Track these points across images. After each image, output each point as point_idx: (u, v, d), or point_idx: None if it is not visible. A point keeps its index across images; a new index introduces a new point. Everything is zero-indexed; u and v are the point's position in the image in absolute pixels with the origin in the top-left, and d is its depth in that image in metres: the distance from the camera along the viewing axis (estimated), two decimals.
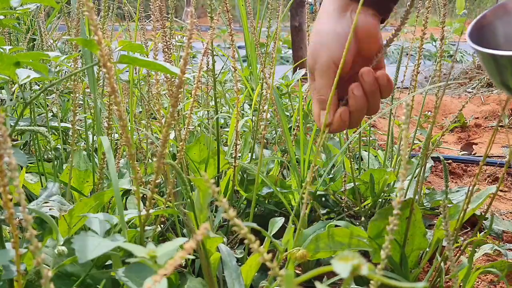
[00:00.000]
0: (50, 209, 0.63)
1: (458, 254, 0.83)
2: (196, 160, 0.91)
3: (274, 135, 1.47)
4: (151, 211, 0.55)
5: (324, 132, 0.64)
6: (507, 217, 1.33)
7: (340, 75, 0.61)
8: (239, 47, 1.28)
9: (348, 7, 0.64)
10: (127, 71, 1.04)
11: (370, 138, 1.37)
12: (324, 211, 1.13)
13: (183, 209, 0.68)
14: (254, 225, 0.64)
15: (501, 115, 0.86)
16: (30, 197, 0.92)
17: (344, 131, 1.28)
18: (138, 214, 0.55)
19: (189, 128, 0.74)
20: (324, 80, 0.63)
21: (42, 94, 1.07)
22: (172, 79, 0.84)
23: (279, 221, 0.80)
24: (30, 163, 0.98)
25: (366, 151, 1.33)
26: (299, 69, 1.41)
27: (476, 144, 2.17)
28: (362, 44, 0.63)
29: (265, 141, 1.03)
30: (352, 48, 0.62)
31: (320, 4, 0.68)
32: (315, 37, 0.65)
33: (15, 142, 0.79)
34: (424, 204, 1.22)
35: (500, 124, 2.43)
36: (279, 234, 0.80)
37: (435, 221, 1.17)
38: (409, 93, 1.01)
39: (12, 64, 0.57)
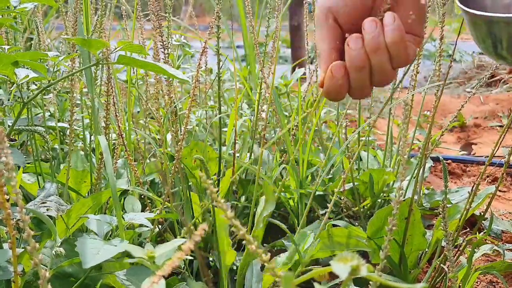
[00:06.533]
0: (47, 210, 0.63)
1: (457, 254, 0.82)
2: (189, 165, 0.91)
3: (273, 135, 1.46)
4: (151, 215, 0.55)
5: (320, 96, 0.54)
6: (506, 217, 1.33)
7: (340, 26, 0.50)
8: (238, 47, 1.27)
9: None
10: (125, 71, 1.03)
11: (369, 138, 1.37)
12: (323, 212, 1.12)
13: (181, 210, 0.68)
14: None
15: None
16: (28, 198, 0.91)
17: (343, 131, 1.28)
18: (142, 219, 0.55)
19: (187, 128, 0.74)
20: (319, 31, 0.52)
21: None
22: (170, 80, 0.84)
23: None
24: (27, 163, 0.98)
25: (365, 151, 1.33)
26: (298, 69, 1.41)
27: (475, 144, 2.17)
28: None
29: (265, 141, 1.03)
30: None
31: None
32: None
33: (12, 142, 0.79)
34: (424, 204, 1.21)
35: (500, 124, 2.43)
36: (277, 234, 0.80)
37: (434, 221, 1.17)
38: (408, 93, 1.01)
39: (11, 64, 0.57)
